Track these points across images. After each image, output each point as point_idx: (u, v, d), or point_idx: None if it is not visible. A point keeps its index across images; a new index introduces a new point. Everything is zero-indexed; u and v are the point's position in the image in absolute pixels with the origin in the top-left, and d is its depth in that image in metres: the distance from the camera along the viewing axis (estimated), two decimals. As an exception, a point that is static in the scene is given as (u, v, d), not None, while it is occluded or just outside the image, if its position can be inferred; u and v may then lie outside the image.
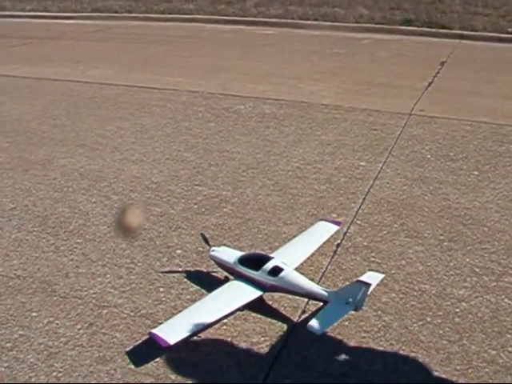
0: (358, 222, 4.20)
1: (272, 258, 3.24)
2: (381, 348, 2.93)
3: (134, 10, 14.89)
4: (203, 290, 3.35)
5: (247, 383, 2.73)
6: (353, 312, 2.93)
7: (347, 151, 5.51)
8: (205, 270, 3.58)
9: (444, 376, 2.75)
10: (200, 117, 6.62)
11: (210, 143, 5.77)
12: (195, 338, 2.95)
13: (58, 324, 3.14)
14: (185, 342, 2.84)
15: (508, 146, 5.60)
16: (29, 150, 5.71)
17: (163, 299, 3.32)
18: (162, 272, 3.59)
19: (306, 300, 3.21)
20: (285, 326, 3.08)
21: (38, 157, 5.51)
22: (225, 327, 3.06)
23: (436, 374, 2.77)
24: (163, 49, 10.89)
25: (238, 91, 7.61)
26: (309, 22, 12.81)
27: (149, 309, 3.24)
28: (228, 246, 3.60)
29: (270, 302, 3.24)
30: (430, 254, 3.77)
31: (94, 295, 3.38)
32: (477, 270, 3.60)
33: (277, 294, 3.23)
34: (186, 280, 3.50)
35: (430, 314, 3.19)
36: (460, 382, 2.72)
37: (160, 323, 3.01)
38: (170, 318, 3.04)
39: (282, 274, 3.09)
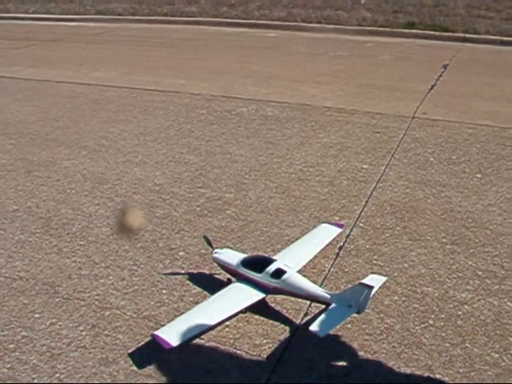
0: (361, 224, 4.20)
1: (275, 260, 3.24)
2: (383, 350, 2.93)
3: (137, 12, 14.92)
4: (206, 292, 3.36)
5: (250, 385, 2.74)
6: (355, 315, 2.93)
7: (350, 154, 5.52)
8: (207, 272, 3.58)
9: (446, 379, 2.75)
10: (203, 119, 6.63)
11: (212, 145, 5.78)
12: (198, 339, 2.95)
13: (60, 325, 3.14)
14: (187, 344, 2.85)
15: (511, 149, 5.60)
16: (32, 151, 5.71)
17: (166, 301, 3.32)
18: (165, 274, 3.60)
19: (308, 302, 3.21)
20: (287, 329, 3.08)
21: (41, 158, 5.52)
22: (227, 329, 3.06)
23: (438, 376, 2.77)
24: (166, 51, 10.91)
25: (240, 93, 7.63)
26: (312, 25, 12.83)
27: (151, 310, 3.25)
28: (231, 248, 3.59)
29: (272, 305, 3.24)
30: (433, 256, 3.77)
31: (96, 297, 3.38)
32: (479, 272, 3.60)
33: (279, 297, 3.23)
34: (188, 282, 3.50)
35: (433, 316, 3.19)
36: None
37: (162, 325, 3.01)
38: (173, 319, 3.04)
39: (284, 276, 3.09)
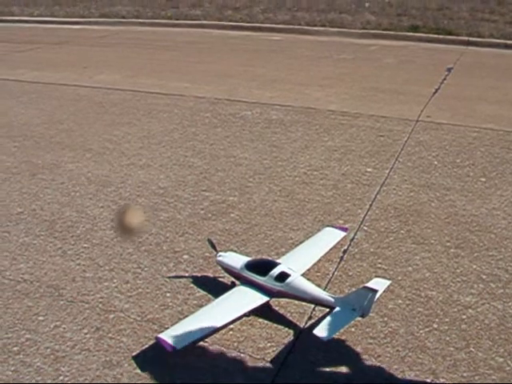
0: (365, 228, 4.20)
1: (279, 263, 3.24)
2: (387, 354, 2.92)
3: (142, 15, 14.95)
4: (210, 296, 3.36)
5: (253, 389, 2.74)
6: (359, 318, 2.93)
7: (354, 157, 5.52)
8: (211, 276, 3.58)
9: (450, 383, 2.75)
10: (207, 122, 6.63)
11: (216, 149, 5.78)
12: (202, 342, 2.96)
13: (64, 328, 3.15)
14: (191, 347, 2.85)
15: (515, 153, 5.60)
16: (36, 154, 5.73)
17: (170, 304, 3.33)
18: (169, 277, 3.60)
19: (312, 306, 3.21)
20: (291, 332, 3.08)
21: (46, 161, 5.53)
22: (231, 332, 3.06)
23: (442, 380, 2.76)
24: (170, 54, 10.93)
25: (244, 97, 7.63)
26: (316, 28, 12.84)
27: (155, 313, 3.25)
28: (235, 252, 3.59)
29: (276, 308, 3.24)
30: (437, 260, 3.77)
31: (100, 300, 3.39)
32: (484, 276, 3.59)
33: (283, 300, 3.23)
34: (192, 285, 3.50)
35: (437, 320, 3.18)
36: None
37: (166, 328, 3.01)
38: (177, 322, 3.04)
39: (288, 279, 3.09)
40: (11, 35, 13.55)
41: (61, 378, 2.80)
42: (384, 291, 3.16)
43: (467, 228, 4.18)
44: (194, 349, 2.89)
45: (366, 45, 11.50)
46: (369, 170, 5.22)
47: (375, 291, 2.82)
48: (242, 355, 2.92)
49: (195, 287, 3.48)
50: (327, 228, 3.91)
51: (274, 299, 3.19)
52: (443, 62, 9.71)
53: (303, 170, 5.23)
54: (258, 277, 3.16)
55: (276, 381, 2.77)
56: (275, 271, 3.13)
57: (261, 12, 14.42)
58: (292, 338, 3.04)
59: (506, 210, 4.45)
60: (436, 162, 5.38)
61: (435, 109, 7.04)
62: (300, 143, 5.90)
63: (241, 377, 2.79)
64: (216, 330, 2.96)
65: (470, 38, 11.49)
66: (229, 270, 3.37)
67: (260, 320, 3.15)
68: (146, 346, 2.99)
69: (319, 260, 3.54)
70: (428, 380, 2.77)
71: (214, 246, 3.55)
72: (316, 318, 3.15)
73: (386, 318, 3.19)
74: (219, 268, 3.47)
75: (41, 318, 3.23)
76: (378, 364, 2.86)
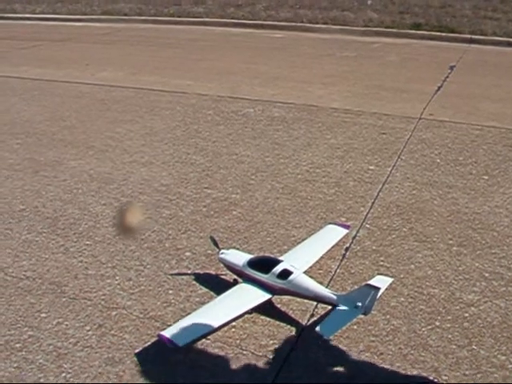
0: (367, 225, 4.19)
1: (281, 261, 3.24)
2: (389, 352, 2.92)
3: (144, 12, 14.94)
4: (212, 293, 3.36)
5: (256, 386, 2.74)
6: (361, 316, 2.93)
7: (356, 155, 5.51)
8: (214, 273, 3.59)
9: (453, 381, 2.75)
10: (209, 120, 6.63)
11: (219, 146, 5.78)
12: (204, 340, 2.96)
13: (67, 325, 3.15)
14: (193, 345, 2.85)
15: (518, 151, 5.60)
16: (39, 151, 5.73)
17: (172, 301, 3.33)
18: (171, 274, 3.60)
19: (314, 303, 3.21)
20: (293, 329, 3.08)
21: (48, 158, 5.53)
22: (233, 330, 3.06)
23: (445, 378, 2.76)
24: (172, 51, 10.93)
25: (247, 94, 7.63)
26: (318, 26, 12.82)
27: (158, 311, 3.25)
28: (237, 249, 3.60)
29: (278, 305, 3.24)
30: (439, 258, 3.77)
31: (103, 297, 3.39)
32: (486, 274, 3.59)
33: (286, 298, 3.23)
34: (194, 282, 3.50)
35: (439, 318, 3.18)
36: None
37: (169, 325, 3.01)
38: (179, 320, 3.03)
39: (290, 277, 3.09)
40: (13, 32, 13.55)
41: (63, 374, 2.81)
42: (386, 289, 3.16)
43: (470, 226, 4.18)
44: (196, 346, 2.89)
45: (369, 42, 11.49)
46: (371, 167, 5.21)
47: (377, 289, 2.82)
48: (244, 352, 2.92)
49: (197, 284, 3.48)
50: (329, 225, 3.91)
51: (276, 296, 3.18)
52: (446, 60, 9.70)
53: (305, 167, 5.23)
54: (260, 274, 3.16)
55: (278, 378, 2.77)
56: (278, 268, 3.13)
57: (263, 9, 14.41)
58: (294, 335, 3.04)
59: (509, 208, 4.44)
60: (438, 160, 5.37)
61: (438, 107, 7.03)
62: (302, 141, 5.90)
63: (243, 374, 2.79)
64: (218, 328, 2.95)
65: (473, 36, 11.48)
66: (231, 267, 3.37)
67: (262, 317, 3.15)
68: (149, 343, 2.99)
69: (321, 257, 3.54)
70: (430, 378, 2.77)
71: (216, 244, 3.55)
72: (318, 316, 3.15)
73: (388, 316, 3.19)
74: (221, 265, 3.47)
75: (43, 315, 3.24)
76: (381, 362, 2.86)
